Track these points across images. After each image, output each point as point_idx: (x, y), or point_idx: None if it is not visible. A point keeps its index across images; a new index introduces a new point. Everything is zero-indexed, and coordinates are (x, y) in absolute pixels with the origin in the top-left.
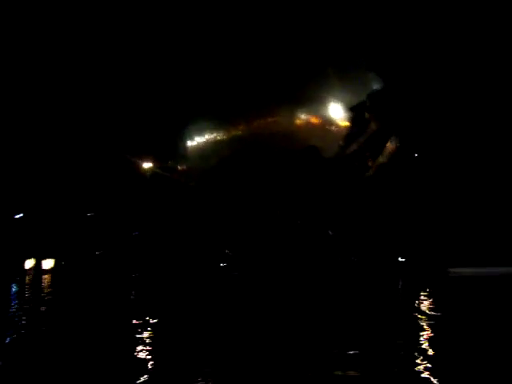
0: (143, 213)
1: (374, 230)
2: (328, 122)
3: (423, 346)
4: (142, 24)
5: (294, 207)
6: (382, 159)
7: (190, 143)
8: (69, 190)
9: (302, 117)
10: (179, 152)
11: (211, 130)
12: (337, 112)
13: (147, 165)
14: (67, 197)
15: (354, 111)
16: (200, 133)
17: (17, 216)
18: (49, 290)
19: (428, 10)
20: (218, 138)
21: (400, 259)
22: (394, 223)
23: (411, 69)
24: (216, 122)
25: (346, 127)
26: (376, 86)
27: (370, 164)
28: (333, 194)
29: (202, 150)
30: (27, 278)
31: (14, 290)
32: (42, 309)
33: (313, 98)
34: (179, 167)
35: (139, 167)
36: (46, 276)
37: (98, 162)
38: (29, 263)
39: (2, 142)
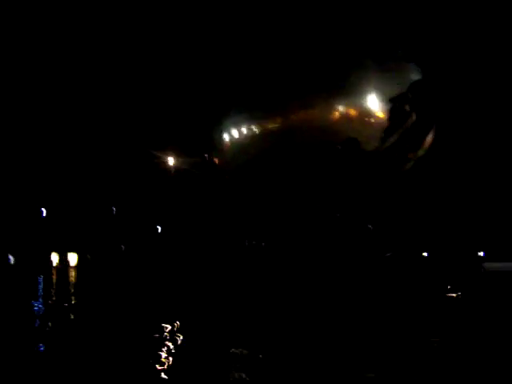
0: (168, 208)
1: (412, 223)
2: (367, 113)
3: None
4: (175, 18)
5: (334, 201)
6: (421, 152)
7: (226, 137)
8: (93, 185)
9: (341, 109)
10: (216, 146)
11: (248, 124)
12: (375, 104)
13: (172, 160)
14: (92, 191)
15: (394, 103)
16: (237, 126)
17: (42, 210)
18: (74, 287)
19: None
20: (256, 131)
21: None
22: (430, 217)
23: (451, 59)
24: (253, 116)
25: (385, 119)
26: (415, 77)
27: (410, 156)
28: (372, 187)
29: (239, 143)
30: (54, 272)
31: (40, 286)
32: (68, 308)
33: (351, 90)
34: (216, 160)
35: (164, 163)
36: (72, 270)
37: (122, 157)
38: (55, 257)
39: (27, 138)
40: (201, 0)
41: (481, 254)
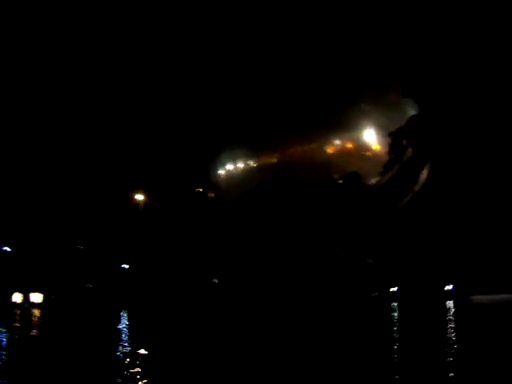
0: (134, 245)
1: (410, 257)
2: (364, 148)
3: None
4: (169, 49)
5: (333, 234)
6: (417, 187)
7: (222, 171)
8: (58, 223)
9: (339, 143)
10: (211, 180)
11: (245, 158)
12: (373, 138)
13: (139, 197)
14: (56, 230)
15: (393, 137)
16: (233, 160)
17: (5, 249)
18: (38, 325)
19: (463, 39)
20: (252, 165)
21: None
22: (425, 251)
23: (448, 95)
24: (250, 150)
25: (383, 153)
26: (412, 112)
27: (408, 191)
28: (371, 221)
29: (234, 177)
30: (16, 311)
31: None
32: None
33: (349, 125)
34: (209, 194)
35: (131, 199)
36: (35, 310)
37: (87, 195)
38: (17, 297)
39: None
40: (198, 29)
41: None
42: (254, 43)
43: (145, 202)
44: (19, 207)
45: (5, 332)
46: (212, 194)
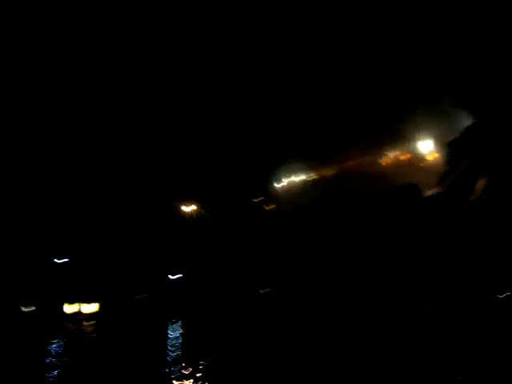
0: (185, 255)
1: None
2: (420, 159)
3: None
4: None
5: (391, 246)
6: (473, 196)
7: (278, 184)
8: (111, 234)
9: (394, 155)
10: (268, 192)
11: (302, 171)
12: (428, 149)
13: (190, 207)
14: (108, 241)
15: (449, 148)
16: (290, 174)
17: (59, 261)
18: (91, 336)
19: None
20: (309, 178)
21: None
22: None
23: (503, 106)
24: (307, 164)
25: (439, 164)
26: (467, 122)
27: (465, 201)
28: (429, 231)
29: (291, 191)
30: (68, 324)
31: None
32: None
33: (403, 136)
34: (268, 207)
35: (182, 210)
36: (86, 322)
37: (140, 206)
38: (68, 308)
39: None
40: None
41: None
42: (321, 57)
43: (196, 213)
44: (71, 221)
45: (62, 342)
46: (270, 206)
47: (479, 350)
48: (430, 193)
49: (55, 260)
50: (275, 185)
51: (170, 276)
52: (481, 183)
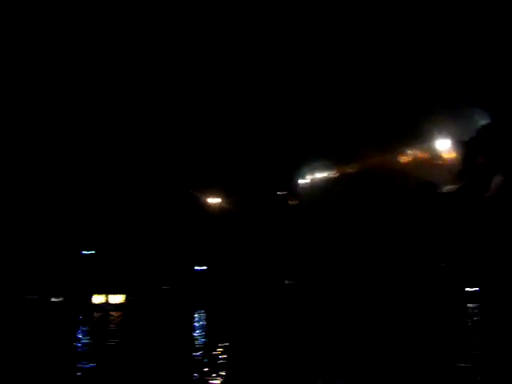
0: (211, 247)
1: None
2: (437, 157)
3: None
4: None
5: (409, 241)
6: (490, 192)
7: (302, 180)
8: (138, 226)
9: (412, 153)
10: (291, 188)
11: (324, 169)
12: (445, 147)
13: (214, 200)
14: (135, 233)
15: (466, 147)
16: (313, 171)
17: (86, 252)
18: (118, 327)
19: None
20: (331, 176)
21: None
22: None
23: None
24: (329, 162)
25: (454, 162)
26: (483, 121)
27: (479, 198)
28: (445, 226)
29: (314, 186)
30: (96, 314)
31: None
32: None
33: (421, 135)
34: (290, 201)
35: (206, 202)
36: (114, 312)
37: (166, 198)
38: (97, 299)
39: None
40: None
41: None
42: (345, 58)
43: (220, 205)
44: (96, 213)
45: (89, 333)
46: (293, 202)
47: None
48: (447, 189)
49: (83, 252)
50: (299, 181)
51: (195, 267)
52: (497, 180)
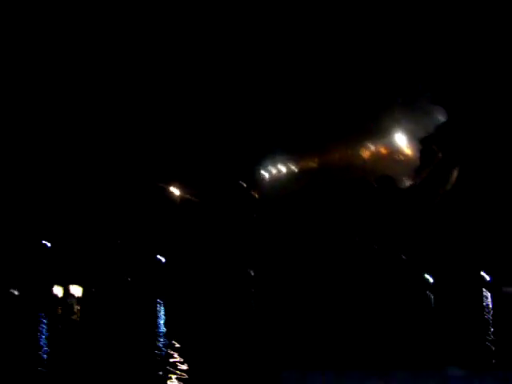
0: (171, 238)
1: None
2: (397, 152)
3: None
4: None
5: (370, 234)
6: (448, 186)
7: (265, 173)
8: (97, 217)
9: (372, 148)
10: (254, 180)
11: (286, 162)
12: (405, 143)
13: (175, 190)
14: (95, 224)
15: (424, 143)
16: (276, 164)
17: (45, 243)
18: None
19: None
20: (293, 169)
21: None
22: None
23: (475, 102)
24: (291, 156)
25: (414, 157)
26: (441, 118)
27: (437, 192)
28: (406, 220)
29: (277, 180)
30: (58, 306)
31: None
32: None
33: (382, 131)
34: (253, 193)
35: (167, 192)
36: (75, 303)
37: (124, 189)
38: (58, 290)
39: (28, 173)
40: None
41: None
42: (306, 53)
43: (181, 195)
44: (58, 202)
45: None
46: (255, 193)
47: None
48: (406, 184)
49: (44, 242)
50: (262, 172)
51: (157, 257)
52: (454, 175)
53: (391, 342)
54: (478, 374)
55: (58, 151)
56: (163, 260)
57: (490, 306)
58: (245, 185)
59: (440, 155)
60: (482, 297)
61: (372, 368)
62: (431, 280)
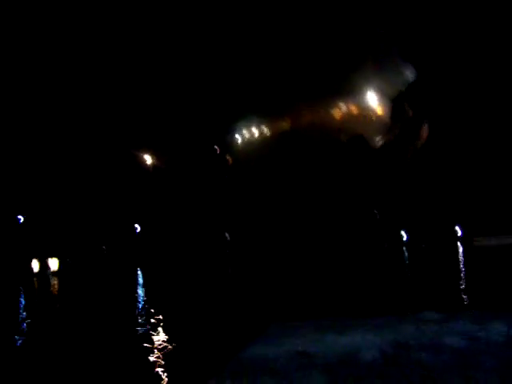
0: (146, 205)
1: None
2: (368, 111)
3: None
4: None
5: (343, 192)
6: (418, 144)
7: (238, 137)
8: (70, 188)
9: (344, 108)
10: (228, 145)
11: (259, 125)
12: (376, 102)
13: (148, 157)
14: (69, 195)
15: (394, 102)
16: (248, 127)
17: (19, 217)
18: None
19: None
20: (266, 132)
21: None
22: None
23: (443, 60)
24: (263, 118)
25: (385, 116)
26: (411, 76)
27: (409, 149)
28: (379, 178)
29: (250, 143)
30: (35, 279)
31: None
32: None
33: (353, 90)
34: (228, 158)
35: (141, 162)
36: (53, 277)
37: (96, 158)
38: (35, 264)
39: (2, 145)
40: (211, 13)
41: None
42: (266, 16)
43: (154, 162)
44: (30, 175)
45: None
46: (229, 158)
47: None
48: (378, 142)
49: (18, 217)
50: (236, 136)
51: (135, 226)
52: (424, 130)
53: (367, 294)
54: (452, 315)
55: (31, 121)
56: (138, 228)
57: (462, 259)
58: (218, 149)
59: (411, 113)
60: (457, 250)
61: (350, 317)
62: (405, 237)
